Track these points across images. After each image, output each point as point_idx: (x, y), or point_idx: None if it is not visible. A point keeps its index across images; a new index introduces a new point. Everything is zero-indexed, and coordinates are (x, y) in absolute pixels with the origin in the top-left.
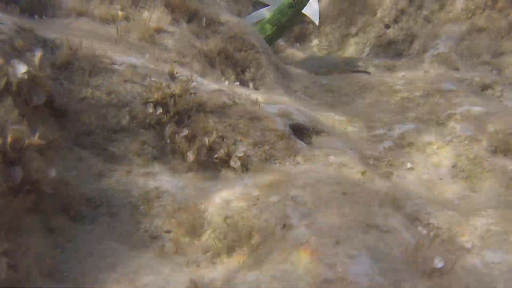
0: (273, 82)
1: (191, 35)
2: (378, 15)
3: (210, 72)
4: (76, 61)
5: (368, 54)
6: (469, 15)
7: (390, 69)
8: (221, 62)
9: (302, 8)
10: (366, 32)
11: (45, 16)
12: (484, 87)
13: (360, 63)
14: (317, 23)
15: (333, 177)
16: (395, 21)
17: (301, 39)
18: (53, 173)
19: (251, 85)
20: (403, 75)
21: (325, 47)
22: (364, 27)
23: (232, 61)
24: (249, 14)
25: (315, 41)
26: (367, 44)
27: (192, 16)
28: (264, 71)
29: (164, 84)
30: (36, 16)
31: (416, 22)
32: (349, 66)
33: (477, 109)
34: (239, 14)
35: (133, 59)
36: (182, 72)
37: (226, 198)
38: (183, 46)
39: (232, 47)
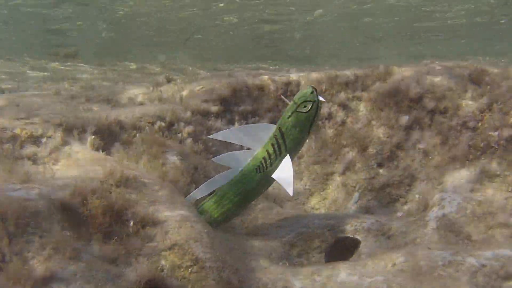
0: None
1: (103, 267)
2: (369, 150)
3: None
4: None
5: (357, 202)
6: (478, 153)
7: (385, 234)
8: None
9: (272, 172)
10: (355, 171)
11: None
12: (507, 278)
13: (347, 226)
14: (291, 193)
15: None
16: (390, 158)
17: None
18: None
19: None
20: (402, 265)
21: (307, 186)
22: (352, 164)
23: None
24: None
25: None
26: (356, 188)
27: (115, 221)
28: None
29: None
30: None
31: (414, 160)
32: (335, 232)
33: None
34: (195, 169)
35: None
36: None
37: None
38: None
39: (167, 267)
